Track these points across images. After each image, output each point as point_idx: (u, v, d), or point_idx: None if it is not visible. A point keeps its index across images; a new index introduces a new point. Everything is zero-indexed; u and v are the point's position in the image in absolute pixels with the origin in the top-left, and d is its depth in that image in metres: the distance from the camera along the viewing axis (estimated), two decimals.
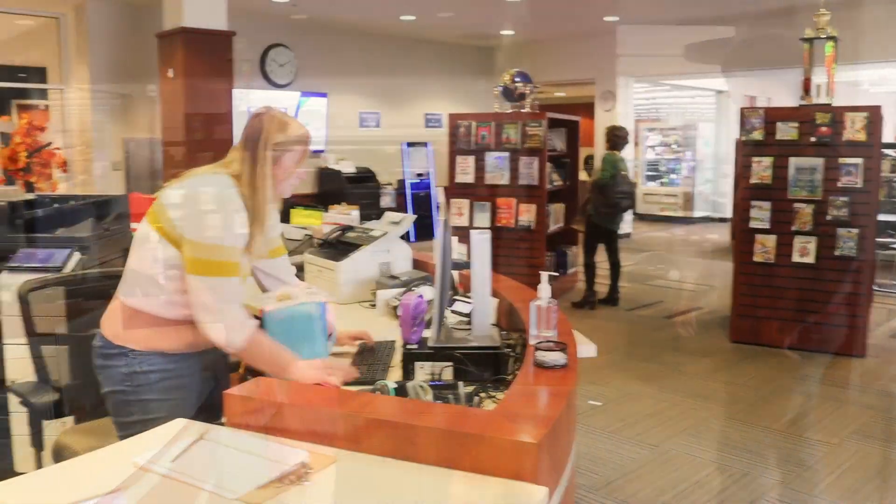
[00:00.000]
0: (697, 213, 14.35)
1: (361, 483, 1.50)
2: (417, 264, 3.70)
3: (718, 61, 11.00)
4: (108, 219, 3.78)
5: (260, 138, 2.13)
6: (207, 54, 6.90)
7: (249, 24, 8.86)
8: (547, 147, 7.05)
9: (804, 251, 5.66)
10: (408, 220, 3.76)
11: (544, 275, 2.19)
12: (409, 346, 2.33)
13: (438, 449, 1.53)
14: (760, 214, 5.78)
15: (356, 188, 10.52)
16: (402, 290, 3.21)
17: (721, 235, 12.59)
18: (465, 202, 7.31)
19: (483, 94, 13.04)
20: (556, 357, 1.96)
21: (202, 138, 6.91)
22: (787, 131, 5.64)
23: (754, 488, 3.61)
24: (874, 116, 5.44)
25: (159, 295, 2.10)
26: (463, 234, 2.88)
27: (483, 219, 7.19)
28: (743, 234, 5.89)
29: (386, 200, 10.96)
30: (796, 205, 5.67)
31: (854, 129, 5.45)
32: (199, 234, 2.03)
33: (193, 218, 2.05)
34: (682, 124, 14.86)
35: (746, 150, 5.83)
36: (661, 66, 11.48)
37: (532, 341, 2.15)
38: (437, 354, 2.29)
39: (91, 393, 2.73)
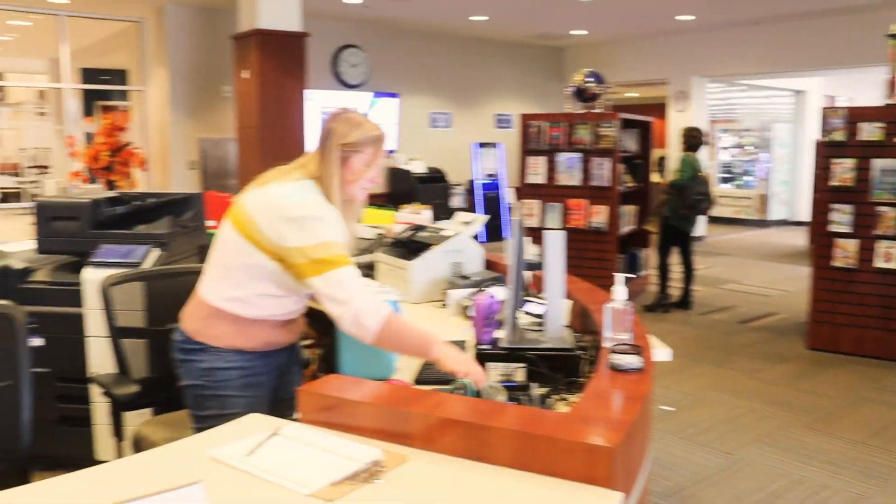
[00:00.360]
0: (772, 217, 13.97)
1: (433, 483, 1.50)
2: (489, 265, 3.69)
3: (797, 60, 10.67)
4: (185, 216, 3.87)
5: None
6: (281, 55, 7.02)
7: (322, 26, 8.99)
8: (619, 148, 6.95)
9: (888, 256, 5.44)
10: (479, 220, 3.76)
11: (619, 276, 2.15)
12: (481, 347, 2.32)
13: (511, 450, 1.52)
14: (841, 218, 5.58)
15: (426, 188, 10.56)
16: (474, 290, 3.21)
17: (797, 239, 12.23)
18: (535, 203, 7.27)
19: (553, 95, 12.97)
20: (632, 360, 1.93)
21: (275, 139, 7.03)
22: (871, 132, 5.43)
23: (835, 502, 3.48)
24: None
25: (240, 296, 2.13)
26: (536, 234, 2.85)
27: (554, 220, 7.14)
28: (822, 238, 5.70)
29: (456, 201, 10.98)
30: (879, 208, 5.46)
31: None
32: (302, 239, 2.02)
33: (291, 226, 2.03)
34: (757, 125, 14.47)
35: (827, 152, 5.63)
36: (738, 66, 11.20)
37: (606, 344, 2.12)
38: (510, 355, 2.28)
39: (168, 386, 2.82)
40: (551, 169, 7.19)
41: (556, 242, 2.33)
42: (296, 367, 2.44)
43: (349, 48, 10.14)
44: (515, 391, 1.96)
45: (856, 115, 5.53)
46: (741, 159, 14.56)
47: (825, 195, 5.65)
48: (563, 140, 7.13)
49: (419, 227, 3.83)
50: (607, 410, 1.69)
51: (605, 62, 11.59)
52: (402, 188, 10.68)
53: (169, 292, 2.92)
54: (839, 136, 5.55)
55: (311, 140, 9.77)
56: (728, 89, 13.98)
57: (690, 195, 6.86)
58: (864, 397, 4.83)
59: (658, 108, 12.35)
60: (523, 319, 2.71)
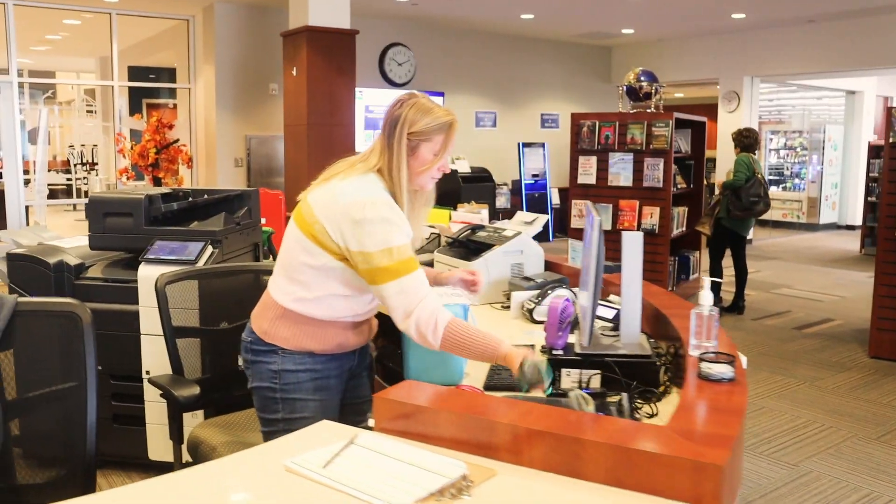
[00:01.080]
0: (823, 220, 13.63)
1: (524, 499, 1.40)
2: (550, 266, 3.59)
3: (851, 59, 10.38)
4: (239, 213, 3.82)
5: (397, 126, 2.03)
6: (331, 53, 6.97)
7: (369, 23, 8.96)
8: (672, 148, 6.79)
9: None
10: (540, 220, 3.65)
11: (706, 280, 2.04)
12: (554, 352, 2.23)
13: (607, 466, 1.42)
14: None
15: (471, 188, 10.45)
16: (537, 292, 3.11)
17: (848, 244, 11.92)
18: (585, 203, 7.12)
19: (599, 95, 12.80)
20: (724, 370, 1.81)
21: (323, 136, 6.99)
22: None
23: None
24: None
25: (309, 297, 2.07)
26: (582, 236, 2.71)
27: (605, 221, 6.99)
28: (887, 243, 5.50)
29: (501, 201, 10.87)
30: None
31: None
32: (365, 244, 1.94)
33: (355, 229, 1.95)
34: (807, 126, 14.14)
35: (894, 153, 5.43)
36: (790, 66, 10.93)
37: (693, 352, 2.01)
38: (586, 361, 2.18)
39: (223, 387, 2.77)
40: (602, 169, 7.04)
41: (634, 244, 2.22)
42: (366, 371, 2.36)
43: (396, 46, 10.08)
44: (601, 399, 1.86)
45: None
46: (791, 161, 14.24)
47: (891, 198, 5.45)
48: (614, 140, 6.98)
49: (478, 227, 3.74)
50: (707, 424, 1.58)
51: (652, 62, 11.39)
52: (447, 188, 10.47)
53: (224, 291, 2.87)
54: None
55: (361, 138, 9.77)
56: (778, 89, 13.68)
57: (746, 197, 6.69)
58: None
59: (707, 109, 12.10)
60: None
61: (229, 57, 8.79)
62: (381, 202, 1.96)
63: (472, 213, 4.06)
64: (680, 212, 7.35)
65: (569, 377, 2.19)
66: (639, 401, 2.02)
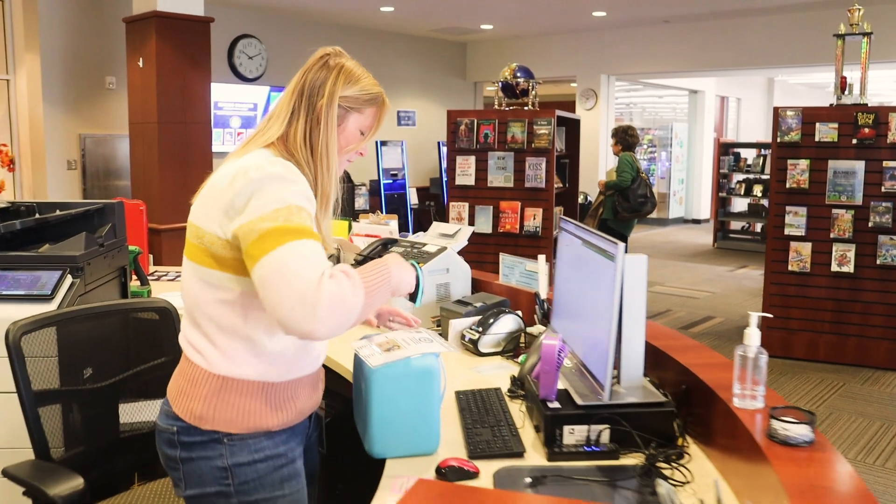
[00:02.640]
0: (672, 215, 14.08)
1: None
2: (478, 285, 3.18)
3: (700, 60, 10.68)
4: (102, 232, 3.14)
5: (326, 86, 1.60)
6: (183, 42, 6.22)
7: (217, 12, 8.19)
8: (554, 147, 6.57)
9: (843, 260, 5.30)
10: (464, 232, 3.23)
11: (754, 316, 1.68)
12: (551, 406, 1.82)
13: None
14: (796, 221, 5.40)
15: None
16: (478, 318, 2.68)
17: (700, 237, 12.33)
18: (464, 205, 6.80)
19: (456, 91, 12.57)
20: (803, 431, 1.46)
21: (177, 135, 6.23)
22: (826, 132, 5.26)
23: None
24: None
25: (254, 349, 1.55)
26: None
27: (485, 224, 6.68)
28: (776, 242, 5.50)
29: (360, 202, 10.37)
30: (835, 210, 5.31)
31: None
32: (249, 210, 1.44)
33: (235, 201, 1.46)
34: (656, 124, 14.58)
35: (781, 153, 5.43)
36: (644, 65, 11.12)
37: (739, 402, 1.65)
38: (594, 416, 1.78)
39: (103, 462, 2.17)
40: (482, 169, 6.72)
41: (638, 269, 1.85)
42: (315, 434, 1.85)
43: (246, 38, 9.33)
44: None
45: (810, 116, 5.35)
46: (641, 158, 14.64)
47: (780, 197, 5.45)
48: (494, 138, 6.67)
49: (390, 241, 3.27)
50: None
51: (509, 58, 11.21)
52: None
53: (92, 335, 2.26)
54: (794, 136, 5.35)
55: (219, 137, 8.96)
56: (628, 88, 13.99)
57: (634, 197, 6.59)
58: (836, 408, 4.62)
59: (564, 107, 12.12)
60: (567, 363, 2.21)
61: (57, 45, 7.74)
62: (276, 160, 1.51)
63: (378, 225, 3.57)
64: (557, 212, 7.16)
65: (572, 434, 1.79)
66: (662, 463, 1.66)
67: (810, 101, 15.11)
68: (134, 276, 3.55)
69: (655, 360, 2.07)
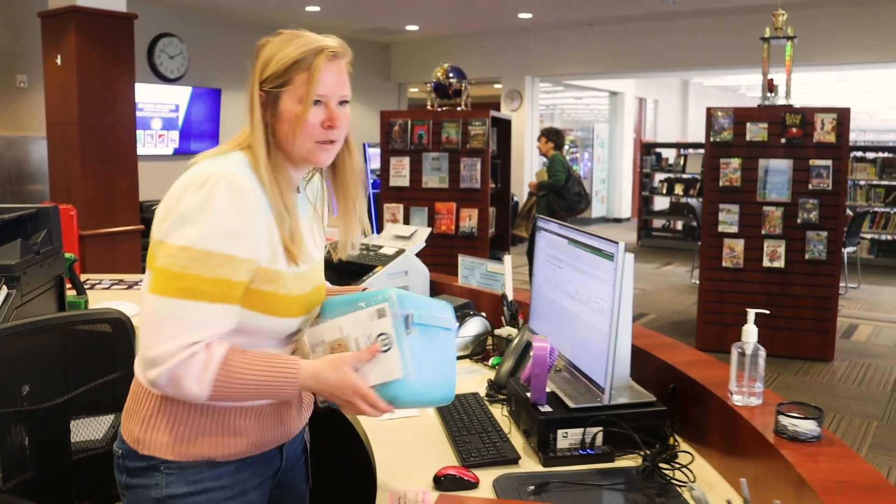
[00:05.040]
0: (594, 214, 14.31)
1: None
2: (436, 286, 3.12)
3: (620, 62, 10.89)
4: (37, 238, 2.95)
5: (250, 78, 1.40)
6: (105, 39, 5.94)
7: (136, 10, 7.90)
8: (489, 147, 6.57)
9: (774, 255, 5.46)
10: (422, 233, 3.17)
11: (751, 313, 1.68)
12: (543, 410, 1.78)
13: None
14: (729, 218, 5.54)
15: None
16: None
17: (623, 236, 12.56)
18: (399, 207, 6.72)
19: (380, 92, 12.48)
20: (811, 427, 1.46)
21: (99, 136, 5.96)
22: (756, 132, 5.41)
23: None
24: (843, 118, 5.29)
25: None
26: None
27: (420, 225, 6.60)
28: (710, 239, 5.63)
29: None
30: (766, 208, 5.46)
31: (824, 131, 5.28)
32: (163, 228, 1.29)
33: (171, 211, 1.29)
34: (578, 125, 14.80)
35: (714, 152, 5.56)
36: (567, 66, 11.26)
37: (737, 399, 1.64)
38: (589, 419, 1.75)
39: (57, 485, 2.02)
40: (416, 170, 6.67)
41: (627, 264, 1.82)
42: (302, 459, 1.66)
43: (167, 37, 9.01)
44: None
45: (742, 116, 5.49)
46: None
47: (714, 195, 5.57)
48: (429, 139, 6.63)
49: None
50: None
51: (433, 59, 11.19)
52: None
53: (37, 351, 2.11)
54: (726, 136, 5.48)
55: (140, 138, 8.61)
56: (551, 89, 14.15)
57: (570, 195, 6.65)
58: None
59: (488, 107, 12.19)
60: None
61: None
62: (223, 179, 1.28)
63: (331, 227, 3.47)
64: (492, 213, 7.17)
65: (566, 438, 1.76)
66: (663, 464, 1.64)
67: (722, 103, 15.62)
68: (69, 285, 3.35)
69: (640, 362, 2.05)
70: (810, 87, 16.04)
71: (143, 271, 1.45)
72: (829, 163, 5.32)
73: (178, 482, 1.38)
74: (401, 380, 1.36)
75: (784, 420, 1.47)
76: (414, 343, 1.39)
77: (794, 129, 5.34)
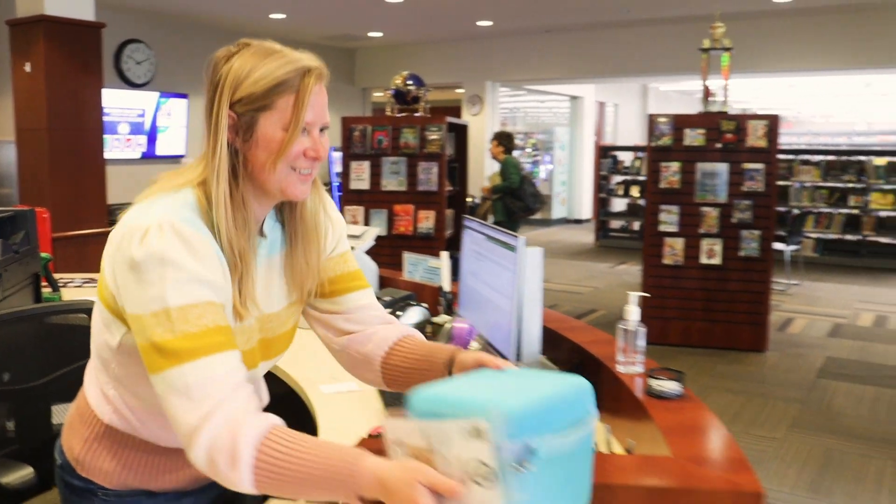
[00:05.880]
0: (555, 216, 14.69)
1: None
2: (384, 281, 3.41)
3: (578, 68, 11.27)
4: (16, 239, 3.20)
5: (215, 98, 1.23)
6: (73, 47, 6.16)
7: (103, 16, 8.09)
8: (446, 152, 6.87)
9: (711, 253, 5.82)
10: (371, 233, 3.46)
11: (633, 295, 1.99)
12: None
13: None
14: (669, 218, 5.89)
15: None
16: (387, 311, 2.92)
17: (582, 237, 12.94)
18: (359, 209, 7.00)
19: (344, 97, 12.73)
20: (675, 387, 1.78)
21: (68, 141, 6.17)
22: (694, 137, 5.77)
23: None
24: (773, 124, 5.67)
25: (136, 405, 1.31)
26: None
27: (380, 226, 6.90)
28: (652, 238, 5.98)
29: None
30: (703, 208, 5.82)
31: (756, 137, 5.65)
32: (136, 301, 1.15)
33: (128, 276, 1.16)
34: (539, 129, 15.16)
35: (655, 156, 5.91)
36: (527, 72, 11.62)
37: (621, 368, 1.96)
38: None
39: (44, 456, 2.27)
40: (376, 174, 6.95)
41: (535, 259, 2.14)
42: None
43: (134, 43, 9.21)
44: None
45: (680, 122, 5.84)
46: (525, 161, 15.19)
47: (655, 197, 5.93)
48: (388, 144, 6.92)
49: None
50: (710, 450, 1.52)
51: (396, 65, 11.50)
52: None
53: (20, 338, 2.37)
54: (666, 141, 5.84)
55: (107, 143, 8.78)
56: (512, 94, 14.50)
57: (526, 196, 6.97)
58: (707, 385, 5.10)
59: (449, 112, 12.50)
60: (474, 344, 2.49)
61: None
62: (156, 230, 1.15)
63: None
64: (449, 214, 7.48)
65: None
66: None
67: (681, 107, 16.12)
68: (44, 283, 3.59)
69: (550, 340, 2.36)
70: (763, 93, 16.55)
71: None
72: (761, 166, 5.69)
73: None
74: None
75: (652, 382, 1.79)
76: (530, 483, 0.97)
77: (729, 135, 5.71)
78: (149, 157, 9.57)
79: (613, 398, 1.93)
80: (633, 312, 1.97)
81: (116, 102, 8.96)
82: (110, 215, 6.64)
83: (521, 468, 0.96)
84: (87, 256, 6.24)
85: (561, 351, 2.32)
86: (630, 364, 1.94)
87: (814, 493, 3.57)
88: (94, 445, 1.34)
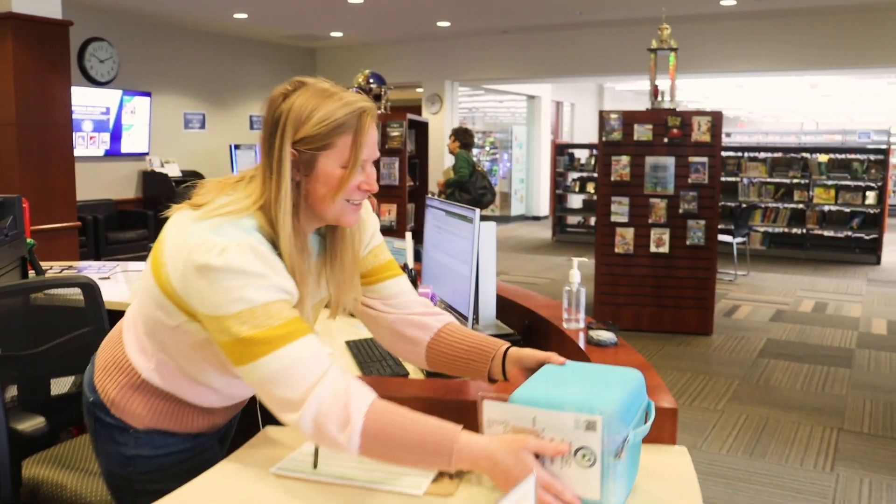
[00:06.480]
0: (514, 213, 15.01)
1: None
2: None
3: (535, 68, 11.60)
4: (5, 224, 3.38)
5: (276, 136, 1.37)
6: (42, 45, 6.29)
7: (66, 14, 8.20)
8: (407, 148, 7.13)
9: (660, 242, 6.15)
10: None
11: (575, 260, 2.26)
12: None
13: None
14: (620, 209, 6.21)
15: (185, 192, 10.02)
16: None
17: (540, 232, 13.27)
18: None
19: None
20: (611, 336, 2.05)
21: (37, 138, 6.29)
22: (643, 133, 6.10)
23: None
24: (717, 120, 6.02)
25: (175, 370, 1.52)
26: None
27: None
28: (604, 228, 6.29)
29: None
30: (652, 200, 6.15)
31: (700, 132, 6.00)
32: (217, 305, 1.31)
33: (200, 282, 1.32)
34: (497, 127, 15.48)
35: (606, 150, 6.23)
36: (485, 71, 11.92)
37: (567, 325, 2.23)
38: None
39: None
40: None
41: (488, 231, 2.41)
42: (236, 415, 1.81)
43: (97, 41, 9.31)
44: None
45: (630, 119, 6.17)
46: (483, 159, 15.49)
47: (606, 189, 6.24)
48: None
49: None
50: None
51: (357, 65, 11.70)
52: (158, 192, 10.05)
53: (20, 310, 2.57)
54: (617, 136, 6.16)
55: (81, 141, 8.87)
56: (471, 93, 14.79)
57: (475, 189, 7.24)
58: (656, 365, 5.42)
59: (410, 111, 12.75)
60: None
61: None
62: (235, 247, 1.30)
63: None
64: (410, 208, 7.74)
65: None
66: None
67: (635, 106, 16.50)
68: (29, 267, 3.76)
69: (504, 307, 2.63)
70: (716, 93, 17.08)
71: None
72: (705, 159, 6.04)
73: (145, 446, 1.56)
74: (596, 501, 1.24)
75: (592, 333, 2.06)
76: (620, 467, 1.25)
77: (675, 130, 6.05)
78: (112, 154, 9.67)
79: (561, 350, 2.19)
80: (575, 276, 2.24)
81: (80, 100, 9.04)
82: (78, 211, 6.77)
83: (619, 456, 1.22)
84: (56, 249, 6.37)
85: (514, 315, 2.58)
86: (574, 321, 2.21)
87: (749, 454, 3.90)
88: (129, 392, 1.54)
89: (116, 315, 2.28)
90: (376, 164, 1.42)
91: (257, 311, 1.29)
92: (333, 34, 11.57)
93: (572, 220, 12.85)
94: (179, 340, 1.46)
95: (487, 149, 15.44)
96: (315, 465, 1.45)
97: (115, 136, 9.64)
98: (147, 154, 10.19)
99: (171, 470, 1.55)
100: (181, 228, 1.38)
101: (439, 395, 1.74)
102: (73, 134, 8.95)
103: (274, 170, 1.37)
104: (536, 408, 1.25)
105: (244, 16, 9.77)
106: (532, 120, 15.06)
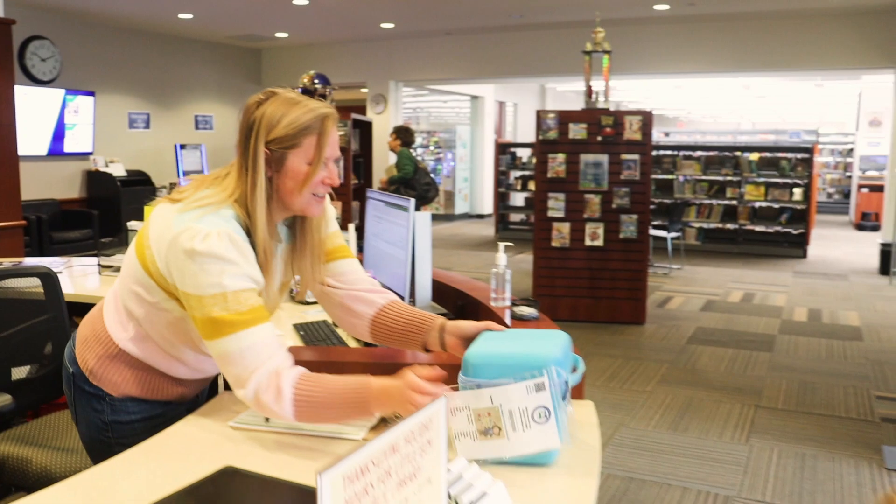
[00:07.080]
0: (458, 211, 15.27)
1: None
2: None
3: (478, 69, 11.87)
4: None
5: (251, 137, 1.59)
6: None
7: (7, 12, 8.17)
8: (351, 147, 7.31)
9: (594, 236, 6.45)
10: None
11: (501, 245, 2.50)
12: None
13: None
14: (556, 205, 6.49)
15: (130, 192, 10.05)
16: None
17: (483, 230, 13.55)
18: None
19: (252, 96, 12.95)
20: (532, 311, 2.29)
21: None
22: (577, 131, 6.39)
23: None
24: (647, 119, 6.34)
25: (149, 342, 1.73)
26: None
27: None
28: (541, 223, 6.57)
29: None
30: (586, 195, 6.45)
31: (632, 131, 6.32)
32: (198, 284, 1.53)
33: (185, 263, 1.53)
34: (441, 127, 15.72)
35: (543, 148, 6.50)
36: (429, 72, 12.16)
37: (493, 303, 2.46)
38: None
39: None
40: None
41: (424, 221, 2.64)
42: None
43: (38, 39, 9.27)
44: None
45: (565, 118, 6.45)
46: (428, 159, 15.73)
47: (543, 185, 6.52)
48: None
49: None
50: None
51: (302, 65, 11.90)
52: (102, 192, 10.05)
53: None
54: (553, 134, 6.44)
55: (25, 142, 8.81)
56: (415, 93, 15.01)
57: (419, 186, 7.46)
58: (591, 353, 5.71)
59: (355, 111, 12.91)
60: None
61: None
62: (216, 234, 1.52)
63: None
64: (354, 206, 7.92)
65: None
66: None
67: (577, 106, 16.95)
68: None
69: (438, 290, 2.85)
70: (655, 94, 17.58)
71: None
72: (636, 157, 6.36)
73: (121, 412, 1.76)
74: (557, 449, 1.45)
75: (515, 308, 2.30)
76: (566, 409, 1.48)
77: (608, 129, 6.36)
78: (55, 153, 9.64)
79: None
80: (501, 259, 2.47)
81: (22, 99, 8.98)
82: (23, 211, 6.79)
83: (566, 399, 1.45)
84: (1, 248, 6.40)
85: (448, 297, 2.80)
86: (501, 300, 2.45)
87: (673, 430, 4.19)
88: (107, 362, 1.74)
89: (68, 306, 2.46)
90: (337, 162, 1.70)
91: (228, 297, 1.51)
92: (279, 35, 11.67)
93: (515, 217, 13.15)
94: (156, 316, 1.68)
95: (432, 148, 15.67)
96: (268, 419, 1.66)
97: (58, 135, 9.61)
98: (91, 154, 10.16)
99: (146, 434, 1.69)
100: (165, 217, 1.59)
101: (376, 360, 1.96)
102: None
103: (249, 167, 1.59)
104: (490, 388, 1.44)
105: (189, 16, 9.82)
106: (475, 120, 15.34)
